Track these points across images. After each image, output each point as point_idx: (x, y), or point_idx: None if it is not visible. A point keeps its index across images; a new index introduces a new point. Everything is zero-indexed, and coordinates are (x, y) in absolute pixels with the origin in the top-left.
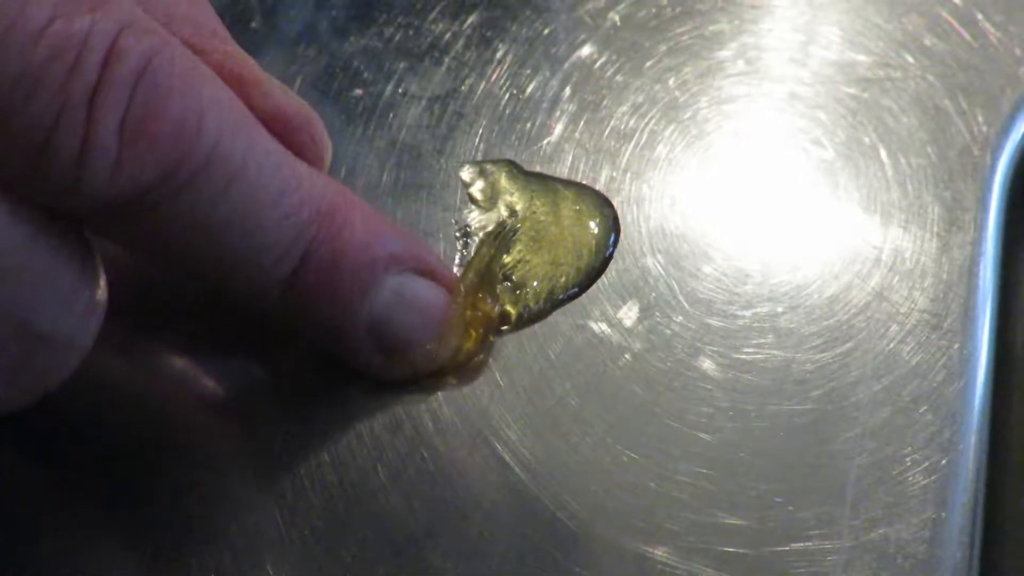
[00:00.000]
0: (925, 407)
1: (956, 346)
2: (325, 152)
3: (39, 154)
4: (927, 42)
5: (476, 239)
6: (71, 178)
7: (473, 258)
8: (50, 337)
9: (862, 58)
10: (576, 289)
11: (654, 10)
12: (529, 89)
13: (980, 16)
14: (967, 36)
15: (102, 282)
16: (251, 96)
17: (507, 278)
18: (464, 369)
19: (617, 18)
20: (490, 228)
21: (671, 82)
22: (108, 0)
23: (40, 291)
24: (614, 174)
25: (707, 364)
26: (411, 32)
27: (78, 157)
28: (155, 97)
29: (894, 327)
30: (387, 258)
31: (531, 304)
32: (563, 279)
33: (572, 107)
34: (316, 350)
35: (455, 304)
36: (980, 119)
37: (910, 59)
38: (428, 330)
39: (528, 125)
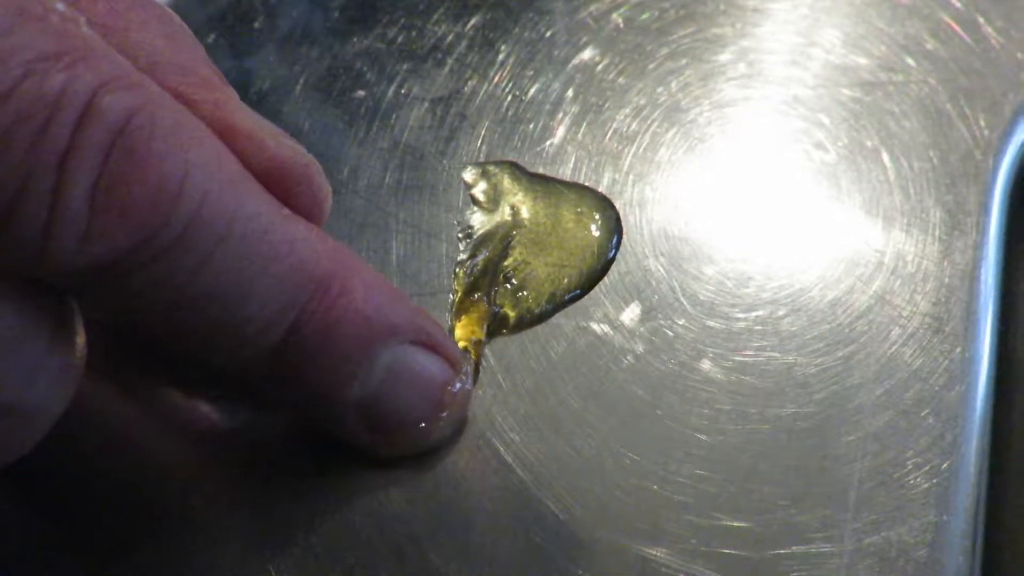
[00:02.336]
0: (927, 411)
1: (958, 350)
2: (325, 202)
3: (2, 222)
4: (929, 46)
5: (478, 241)
6: (36, 248)
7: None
8: (15, 409)
9: (864, 62)
10: (578, 291)
11: (656, 13)
12: (531, 91)
13: (981, 20)
14: (969, 40)
15: (79, 342)
16: (244, 149)
17: (508, 280)
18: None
19: (619, 21)
20: (490, 229)
21: (673, 85)
22: (89, 54)
23: (4, 360)
24: (616, 176)
25: (709, 367)
26: (414, 34)
27: (44, 226)
28: (132, 160)
29: (896, 331)
30: (385, 330)
31: (533, 306)
32: (565, 281)
33: (574, 109)
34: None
35: (457, 379)
36: (982, 123)
37: (912, 63)
38: (423, 409)
39: (530, 127)
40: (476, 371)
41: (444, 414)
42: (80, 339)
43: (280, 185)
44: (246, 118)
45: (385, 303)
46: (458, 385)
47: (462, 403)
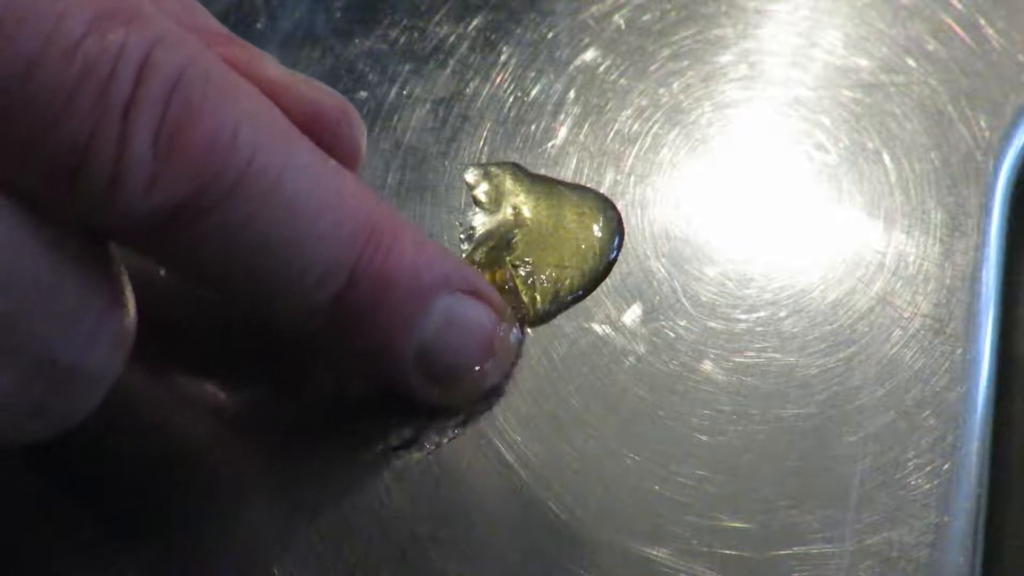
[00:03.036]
0: (928, 412)
1: (959, 351)
2: (363, 140)
3: (74, 171)
4: (930, 47)
5: (479, 241)
6: (105, 196)
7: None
8: (76, 371)
9: (865, 63)
10: (580, 292)
11: (658, 14)
12: (533, 92)
13: (983, 21)
14: (970, 41)
15: (132, 310)
16: (282, 99)
17: (515, 268)
18: None
19: (621, 22)
20: (492, 228)
21: (675, 86)
22: (140, 14)
23: (67, 323)
24: (618, 177)
25: (710, 367)
26: (415, 34)
27: (112, 173)
28: (189, 111)
29: (897, 332)
30: (437, 280)
31: (536, 307)
32: (567, 282)
33: (576, 110)
34: (319, 355)
35: (505, 326)
36: (983, 124)
37: (913, 64)
38: (477, 354)
39: (532, 128)
40: (522, 323)
41: (494, 360)
42: (132, 309)
43: (321, 129)
44: (280, 70)
45: (434, 255)
46: (503, 331)
47: (509, 349)
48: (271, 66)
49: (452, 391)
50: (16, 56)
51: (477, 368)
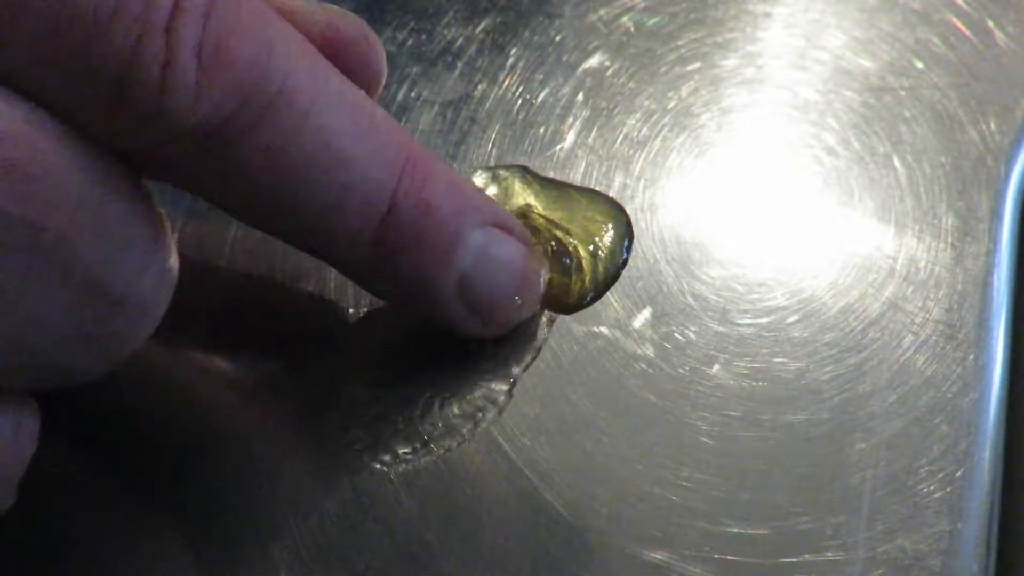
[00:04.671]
0: (940, 418)
1: (971, 357)
2: (383, 60)
3: (121, 82)
4: (938, 50)
5: None
6: (153, 106)
7: None
8: (125, 301)
9: (873, 66)
10: (590, 296)
11: (666, 18)
12: (541, 95)
13: (991, 24)
14: (979, 44)
15: (174, 249)
16: (301, 24)
17: None
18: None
19: (630, 25)
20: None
21: (683, 90)
22: None
23: (115, 249)
24: (627, 181)
25: (721, 372)
26: (423, 36)
27: (159, 83)
28: (228, 25)
29: (908, 337)
30: (474, 211)
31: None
32: (577, 286)
33: (585, 114)
34: (329, 355)
35: (534, 259)
36: (993, 128)
37: (921, 67)
38: (515, 285)
39: (541, 131)
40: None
41: (528, 292)
42: (174, 247)
43: (340, 51)
44: None
45: (467, 188)
46: (534, 265)
47: (539, 280)
48: None
49: (492, 322)
50: None
51: (514, 298)
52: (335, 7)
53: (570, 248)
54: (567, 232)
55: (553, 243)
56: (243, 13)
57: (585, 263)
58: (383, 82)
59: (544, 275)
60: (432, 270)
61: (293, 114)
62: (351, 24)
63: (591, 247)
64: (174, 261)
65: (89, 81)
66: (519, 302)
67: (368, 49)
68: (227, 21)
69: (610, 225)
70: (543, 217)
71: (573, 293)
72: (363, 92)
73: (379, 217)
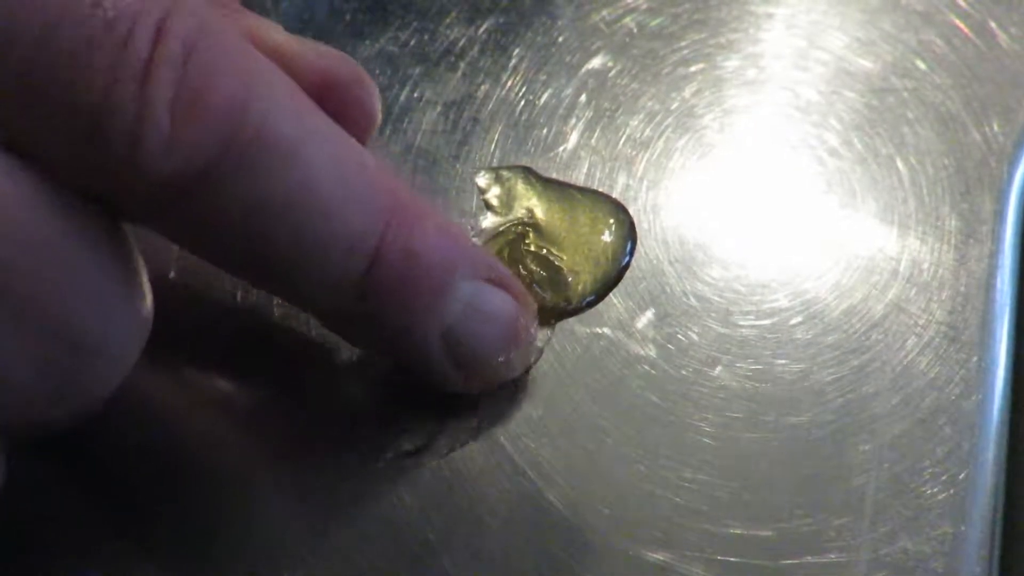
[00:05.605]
0: (943, 420)
1: (974, 359)
2: (377, 103)
3: (93, 130)
4: (941, 52)
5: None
6: (126, 156)
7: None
8: (93, 349)
9: (876, 67)
10: (593, 297)
11: (668, 18)
12: (544, 96)
13: (994, 25)
14: (981, 45)
15: (149, 296)
16: (292, 67)
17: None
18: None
19: (632, 26)
20: (503, 230)
21: (686, 90)
22: None
23: (87, 301)
24: (630, 182)
25: (723, 373)
26: (426, 37)
27: (132, 132)
28: (206, 73)
29: (911, 339)
30: (463, 263)
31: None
32: (580, 287)
33: (587, 114)
34: (331, 360)
35: (527, 315)
36: (996, 129)
37: (924, 68)
38: (502, 342)
39: (543, 132)
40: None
41: (517, 350)
42: (150, 298)
43: (333, 95)
44: (285, 37)
45: (458, 237)
46: (526, 321)
47: (531, 339)
48: (280, 34)
49: (476, 378)
50: (37, 13)
51: (501, 356)
52: (330, 49)
53: (564, 272)
54: (561, 256)
55: (545, 272)
56: (224, 58)
57: (580, 288)
58: (376, 126)
59: (536, 331)
60: (416, 322)
61: (273, 161)
62: (345, 67)
63: (591, 253)
64: (148, 306)
65: (60, 128)
66: (507, 359)
67: (361, 93)
68: (207, 68)
69: (612, 226)
70: (537, 243)
71: (567, 312)
72: (351, 138)
73: (363, 267)
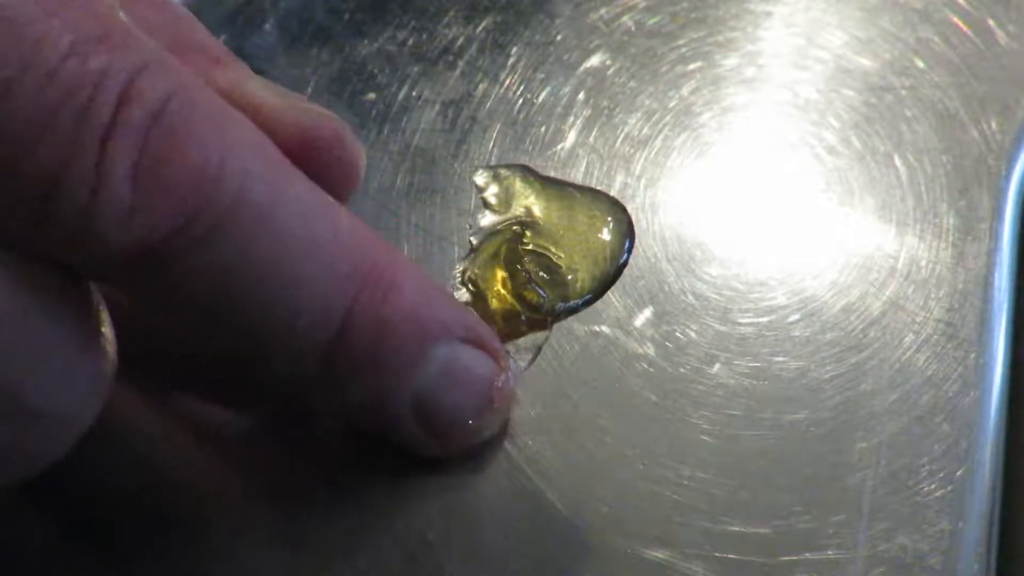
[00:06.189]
0: (941, 417)
1: (972, 356)
2: (360, 162)
3: (47, 201)
4: (940, 49)
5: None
6: (81, 228)
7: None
8: (46, 414)
9: (875, 65)
10: (591, 295)
11: (666, 17)
12: (542, 95)
13: (992, 23)
14: (979, 43)
15: (110, 351)
16: (271, 125)
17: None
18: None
19: (630, 24)
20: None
21: (684, 89)
22: (129, 38)
23: (36, 364)
24: (628, 180)
25: (722, 371)
26: (424, 36)
27: (88, 204)
28: (171, 141)
29: (909, 337)
30: (438, 327)
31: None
32: (578, 285)
33: (586, 113)
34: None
35: (504, 376)
36: (994, 127)
37: (922, 66)
38: (476, 405)
39: (542, 131)
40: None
41: (492, 411)
42: (111, 347)
43: (313, 154)
44: (267, 93)
45: (434, 300)
46: (502, 380)
47: (508, 398)
48: (260, 89)
49: (450, 442)
50: None
51: (473, 422)
52: (313, 106)
53: (562, 270)
54: (559, 254)
55: (543, 270)
56: (195, 124)
57: (578, 287)
58: (359, 182)
59: (513, 392)
60: (384, 390)
61: (242, 235)
62: (327, 126)
63: (589, 252)
64: (107, 366)
65: (16, 198)
66: (483, 422)
67: (343, 153)
68: (174, 135)
69: (611, 225)
70: (535, 241)
71: (565, 311)
72: (328, 198)
73: (330, 336)
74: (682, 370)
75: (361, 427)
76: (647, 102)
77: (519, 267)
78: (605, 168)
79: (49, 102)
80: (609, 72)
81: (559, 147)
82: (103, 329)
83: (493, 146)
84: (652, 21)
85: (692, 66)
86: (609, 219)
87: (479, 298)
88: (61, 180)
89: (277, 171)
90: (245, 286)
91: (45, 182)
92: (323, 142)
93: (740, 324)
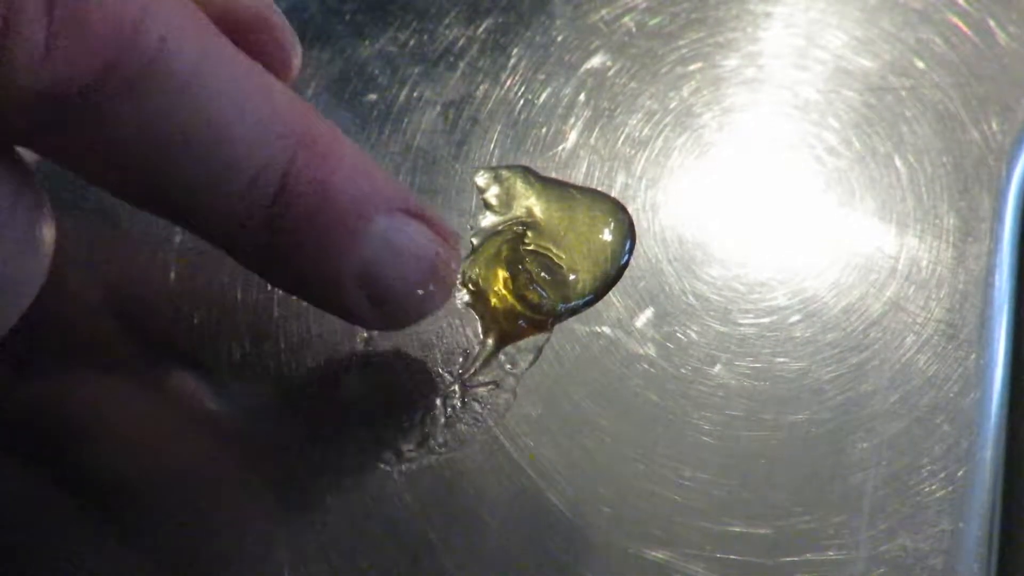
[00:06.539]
0: (942, 417)
1: (972, 356)
2: (292, 54)
3: None
4: (940, 50)
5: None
6: None
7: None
8: None
9: (874, 65)
10: (592, 296)
11: (667, 18)
12: (543, 96)
13: (992, 23)
14: (980, 43)
15: (46, 213)
16: (199, 3)
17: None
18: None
19: (631, 25)
20: (502, 229)
21: (684, 90)
22: None
23: None
24: (629, 181)
25: (722, 372)
26: (425, 37)
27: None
28: None
29: (910, 337)
30: (378, 198)
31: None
32: (579, 286)
33: (586, 114)
34: (331, 359)
35: (448, 249)
36: (995, 127)
37: (922, 66)
38: (421, 276)
39: (542, 131)
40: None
41: (437, 284)
42: (46, 211)
43: (239, 37)
44: None
45: (375, 172)
46: (446, 254)
47: (453, 271)
48: None
49: (394, 316)
50: None
51: (420, 291)
52: None
53: (563, 271)
54: (560, 255)
55: (544, 271)
56: None
57: (579, 287)
58: (293, 71)
59: (459, 266)
60: (327, 257)
61: (169, 85)
62: (252, 5)
63: (590, 252)
64: (47, 226)
65: None
66: (426, 294)
67: (271, 34)
68: None
69: (611, 225)
70: (536, 242)
71: (566, 311)
72: (258, 65)
73: (269, 198)
74: (683, 371)
75: (315, 306)
76: (648, 103)
77: (520, 268)
78: (606, 169)
79: None
80: (610, 73)
81: (560, 148)
82: (36, 191)
83: (494, 147)
84: (653, 22)
85: (693, 67)
86: (610, 220)
87: (480, 298)
88: None
89: (203, 29)
90: (178, 140)
91: None
92: (251, 22)
93: (741, 325)
